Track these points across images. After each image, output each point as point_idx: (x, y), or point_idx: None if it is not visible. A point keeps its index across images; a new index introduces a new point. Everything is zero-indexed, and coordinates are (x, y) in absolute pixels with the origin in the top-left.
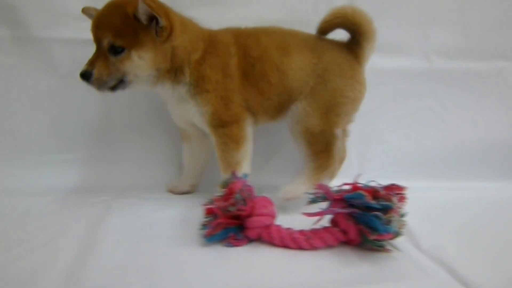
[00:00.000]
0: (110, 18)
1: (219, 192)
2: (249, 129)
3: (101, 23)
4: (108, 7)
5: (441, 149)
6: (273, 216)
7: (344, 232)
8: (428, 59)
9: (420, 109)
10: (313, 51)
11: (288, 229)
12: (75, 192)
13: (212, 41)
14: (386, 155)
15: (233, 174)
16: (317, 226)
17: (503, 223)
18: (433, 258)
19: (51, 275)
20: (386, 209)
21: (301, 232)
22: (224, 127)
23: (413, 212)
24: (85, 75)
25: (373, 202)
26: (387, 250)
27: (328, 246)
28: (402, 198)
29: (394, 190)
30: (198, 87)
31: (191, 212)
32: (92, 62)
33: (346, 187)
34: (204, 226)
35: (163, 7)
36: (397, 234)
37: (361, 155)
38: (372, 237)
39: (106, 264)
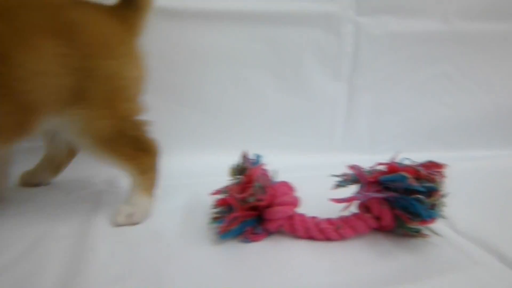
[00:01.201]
0: None
1: (232, 179)
2: None
3: None
4: None
5: (457, 118)
6: (295, 205)
7: (378, 218)
8: (447, 21)
9: (436, 76)
10: (60, 35)
11: (314, 218)
12: (58, 184)
13: None
14: (398, 126)
15: (245, 156)
16: (346, 213)
17: None
18: (474, 241)
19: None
20: (430, 192)
21: (329, 221)
22: None
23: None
24: None
25: (416, 185)
26: (424, 236)
27: (359, 234)
28: (442, 177)
29: (433, 168)
30: None
31: (198, 202)
32: None
33: (381, 167)
34: (216, 220)
35: None
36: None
37: (372, 126)
38: (413, 223)
39: (103, 271)
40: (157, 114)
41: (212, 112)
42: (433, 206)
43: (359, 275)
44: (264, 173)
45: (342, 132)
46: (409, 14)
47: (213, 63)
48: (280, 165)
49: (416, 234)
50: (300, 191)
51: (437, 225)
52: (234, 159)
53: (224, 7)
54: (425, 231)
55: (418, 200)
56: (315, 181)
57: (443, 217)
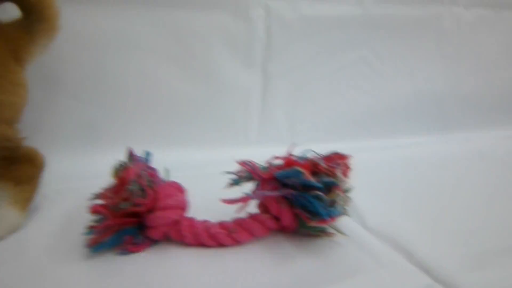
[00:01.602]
0: None
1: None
2: None
3: None
4: None
5: (376, 105)
6: (182, 208)
7: (277, 218)
8: (362, 5)
9: (354, 62)
10: None
11: (204, 222)
12: None
13: None
14: (318, 115)
15: (130, 153)
16: (242, 214)
17: (449, 181)
18: (383, 238)
19: None
20: (329, 187)
21: (221, 224)
22: None
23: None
24: None
25: (312, 180)
26: (329, 235)
27: (256, 238)
28: (346, 169)
29: (337, 160)
30: None
31: (82, 209)
32: None
33: (277, 162)
34: (91, 230)
35: None
36: (341, 216)
37: (290, 116)
38: (313, 223)
39: None
40: (48, 110)
41: (111, 106)
42: (333, 203)
43: (254, 284)
44: (149, 173)
45: (258, 124)
46: None
47: (110, 52)
48: (188, 161)
49: (320, 234)
50: (200, 191)
51: (345, 221)
52: None
53: None
54: (330, 230)
55: (317, 197)
56: (220, 179)
57: (346, 214)
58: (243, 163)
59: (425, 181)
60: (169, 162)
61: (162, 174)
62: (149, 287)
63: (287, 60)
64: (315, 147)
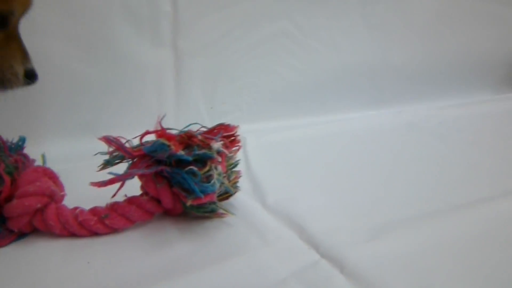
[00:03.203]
0: None
1: None
2: None
3: None
4: None
5: (301, 80)
6: (48, 195)
7: (157, 200)
8: None
9: (273, 35)
10: None
11: (75, 209)
12: None
13: None
14: (239, 93)
15: None
16: (119, 198)
17: (368, 155)
18: (278, 216)
19: None
20: (203, 161)
21: (93, 210)
22: None
23: (267, 158)
24: None
25: (181, 153)
26: (219, 215)
27: (135, 223)
28: (233, 142)
29: (220, 131)
30: None
31: None
32: None
33: (149, 138)
34: None
35: None
36: (226, 192)
37: (209, 97)
38: (189, 201)
39: None
40: None
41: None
42: (208, 178)
43: (123, 274)
44: (16, 158)
45: (174, 106)
46: None
47: None
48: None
49: (209, 215)
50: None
51: (243, 199)
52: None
53: None
54: (220, 211)
55: (190, 172)
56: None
57: (233, 190)
58: (107, 140)
59: (345, 156)
60: (72, 151)
61: (38, 162)
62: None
63: (199, 35)
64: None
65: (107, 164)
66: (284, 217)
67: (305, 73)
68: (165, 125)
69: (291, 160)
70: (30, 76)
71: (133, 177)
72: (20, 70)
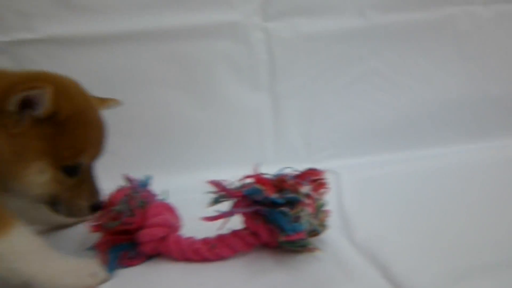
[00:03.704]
0: None
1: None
2: None
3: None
4: None
5: (395, 116)
6: (169, 226)
7: (255, 234)
8: (364, 16)
9: (364, 74)
10: None
11: (189, 238)
12: None
13: None
14: (333, 131)
15: (127, 178)
16: (224, 231)
17: (463, 194)
18: (364, 253)
19: None
20: (293, 203)
21: (204, 240)
22: None
23: (359, 194)
24: None
25: (274, 196)
26: (310, 250)
27: (238, 253)
28: (320, 185)
29: (308, 176)
30: None
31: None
32: None
33: (248, 181)
34: (93, 248)
35: None
36: (314, 231)
37: (305, 134)
38: (281, 238)
39: None
40: None
41: (126, 135)
42: (297, 219)
43: None
44: (143, 195)
45: (273, 143)
46: (320, 13)
47: (121, 86)
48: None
49: (301, 249)
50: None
51: (333, 235)
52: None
53: (125, 28)
54: (311, 246)
55: (282, 212)
56: None
57: (320, 229)
58: (214, 183)
59: (439, 193)
60: (185, 185)
61: (161, 196)
62: None
63: (294, 79)
64: (334, 163)
65: (214, 202)
66: (370, 255)
67: (398, 109)
68: (265, 160)
69: (383, 196)
70: (95, 209)
71: (233, 214)
72: (85, 207)
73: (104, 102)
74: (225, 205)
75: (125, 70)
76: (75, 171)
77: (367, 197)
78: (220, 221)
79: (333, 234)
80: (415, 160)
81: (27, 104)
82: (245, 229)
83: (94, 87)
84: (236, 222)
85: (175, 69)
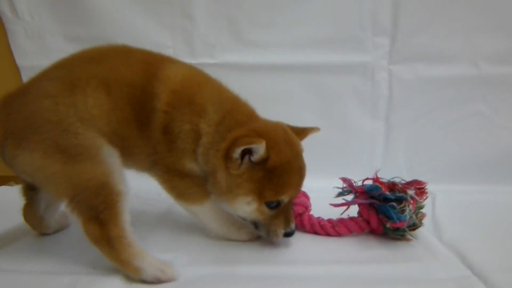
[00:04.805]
0: None
1: None
2: None
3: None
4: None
5: (493, 154)
6: (305, 206)
7: (367, 221)
8: (476, 66)
9: (470, 114)
10: None
11: (318, 217)
12: None
13: None
14: (435, 160)
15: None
16: (345, 216)
17: None
18: (449, 247)
19: None
20: (401, 200)
21: (329, 220)
22: None
23: (451, 212)
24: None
25: (388, 193)
26: (407, 239)
27: (352, 233)
28: (422, 193)
29: (414, 184)
30: None
31: None
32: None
33: (369, 182)
34: None
35: None
36: (414, 224)
37: (410, 159)
38: (388, 224)
39: None
40: None
41: None
42: (402, 211)
43: (342, 257)
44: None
45: (381, 163)
46: (438, 61)
47: (269, 105)
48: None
49: (401, 237)
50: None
51: (424, 234)
52: None
53: (280, 61)
54: (408, 236)
55: (391, 206)
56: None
57: (418, 224)
58: (343, 179)
59: None
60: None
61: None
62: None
63: (407, 113)
64: (433, 186)
65: (340, 194)
66: (452, 248)
67: (495, 147)
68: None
69: (471, 216)
70: (287, 235)
71: (355, 204)
72: (280, 234)
73: (306, 131)
74: (348, 198)
75: (274, 91)
76: (275, 206)
77: (456, 214)
78: (342, 208)
79: (425, 232)
80: (506, 194)
81: (246, 152)
82: (360, 216)
83: (251, 102)
84: (354, 212)
85: (312, 96)
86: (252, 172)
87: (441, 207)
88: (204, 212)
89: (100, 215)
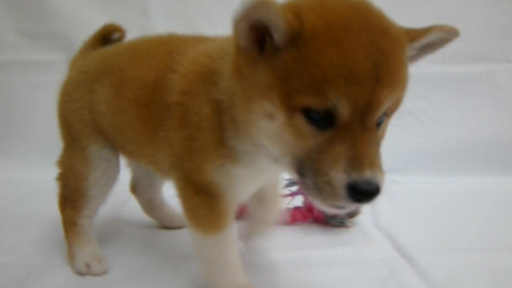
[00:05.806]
0: (399, 59)
1: None
2: None
3: (391, 72)
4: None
5: (431, 146)
6: None
7: (309, 210)
8: (416, 65)
9: (411, 111)
10: None
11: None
12: None
13: None
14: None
15: None
16: (291, 206)
17: (469, 213)
18: (384, 233)
19: None
20: None
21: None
22: None
23: (389, 199)
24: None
25: None
26: (346, 226)
27: (297, 221)
28: None
29: None
30: None
31: None
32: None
33: None
34: None
35: None
36: (353, 212)
37: None
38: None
39: None
40: None
41: None
42: None
43: (284, 243)
44: None
45: None
46: None
47: None
48: None
49: (340, 225)
50: None
51: (363, 221)
52: None
53: None
54: (347, 223)
55: None
56: None
57: (356, 212)
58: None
59: (453, 211)
60: None
61: None
62: None
63: None
64: None
65: (287, 186)
66: (386, 233)
67: (434, 141)
68: None
69: (408, 204)
70: (358, 190)
71: (299, 194)
72: (338, 181)
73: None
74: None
75: None
76: (324, 121)
77: (396, 203)
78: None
79: (364, 219)
80: (442, 183)
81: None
82: (303, 205)
83: None
84: (299, 201)
85: None
86: (277, 62)
87: (383, 196)
88: (216, 245)
89: (68, 199)
